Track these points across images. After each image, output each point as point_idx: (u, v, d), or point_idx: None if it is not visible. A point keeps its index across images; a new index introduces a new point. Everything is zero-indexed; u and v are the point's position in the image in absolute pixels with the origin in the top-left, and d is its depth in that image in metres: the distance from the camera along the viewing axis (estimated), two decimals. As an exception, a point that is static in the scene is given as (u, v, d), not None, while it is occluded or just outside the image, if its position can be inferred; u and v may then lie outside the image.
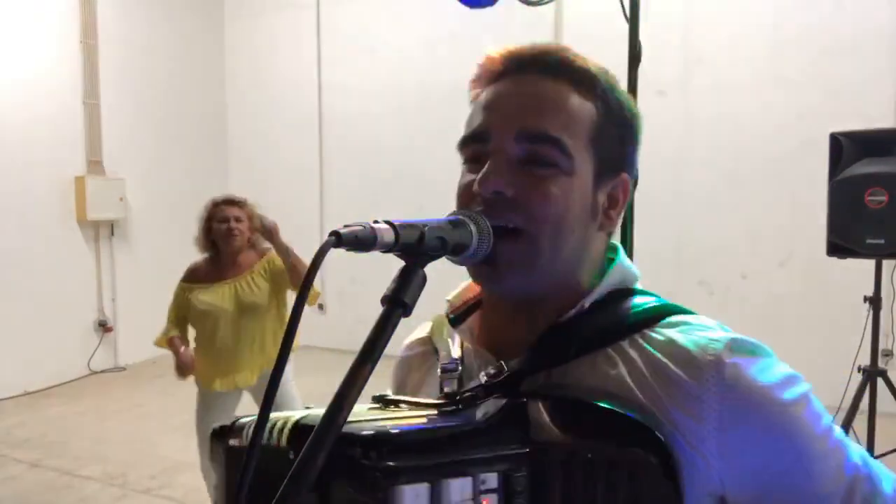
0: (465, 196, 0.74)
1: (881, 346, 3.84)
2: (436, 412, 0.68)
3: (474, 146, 0.75)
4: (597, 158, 0.74)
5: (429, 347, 0.88)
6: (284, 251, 3.05)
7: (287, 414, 0.67)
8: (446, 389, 0.75)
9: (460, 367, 0.77)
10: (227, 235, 3.12)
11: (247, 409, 3.29)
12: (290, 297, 3.26)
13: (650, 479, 0.63)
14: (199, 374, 3.21)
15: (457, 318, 0.84)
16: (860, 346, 3.63)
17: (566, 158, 0.71)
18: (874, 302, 3.58)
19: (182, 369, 3.14)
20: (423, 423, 0.64)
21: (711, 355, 0.67)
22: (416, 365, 0.88)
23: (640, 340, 0.71)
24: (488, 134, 0.73)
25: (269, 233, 3.05)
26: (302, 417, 0.66)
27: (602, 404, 0.66)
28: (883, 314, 3.65)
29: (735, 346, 0.68)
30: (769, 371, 0.69)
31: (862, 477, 0.70)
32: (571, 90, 0.73)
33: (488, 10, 2.83)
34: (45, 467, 4.15)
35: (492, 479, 0.60)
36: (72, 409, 5.30)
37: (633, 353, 0.70)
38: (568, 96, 0.73)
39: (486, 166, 0.71)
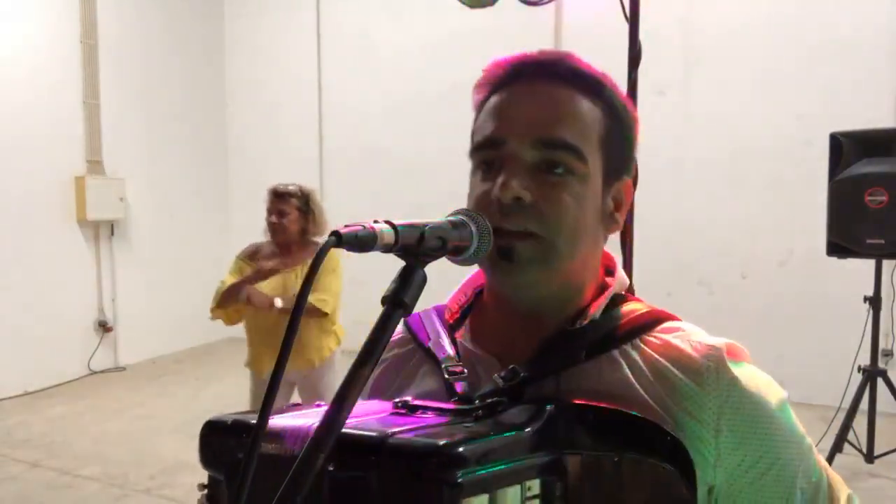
0: (483, 202, 0.74)
1: (881, 346, 3.85)
2: (467, 419, 0.67)
3: (487, 152, 0.75)
4: (605, 163, 0.76)
5: (405, 350, 0.87)
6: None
7: (311, 421, 0.65)
8: (459, 391, 0.74)
9: (466, 371, 0.77)
10: (272, 229, 3.19)
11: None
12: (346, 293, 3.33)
13: (671, 481, 0.66)
14: (252, 362, 3.27)
15: (454, 323, 0.84)
16: (860, 346, 3.63)
17: (581, 164, 0.73)
18: (874, 302, 3.58)
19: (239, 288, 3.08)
20: (467, 432, 0.63)
21: (711, 361, 0.71)
22: (394, 368, 0.87)
23: (641, 344, 0.74)
24: (503, 140, 0.73)
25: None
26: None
27: (622, 409, 0.68)
28: (883, 314, 3.65)
29: (731, 353, 0.73)
30: (757, 377, 0.74)
31: (825, 482, 0.76)
32: (581, 96, 0.75)
33: (488, 10, 2.83)
34: (45, 467, 4.15)
35: (535, 486, 0.61)
36: (72, 409, 5.30)
37: (636, 356, 0.73)
38: (580, 102, 0.75)
39: (505, 173, 0.72)
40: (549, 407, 0.65)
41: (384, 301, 0.60)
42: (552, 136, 0.72)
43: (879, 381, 3.56)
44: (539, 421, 0.63)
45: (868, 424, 3.61)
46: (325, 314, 3.12)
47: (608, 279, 0.81)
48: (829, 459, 3.41)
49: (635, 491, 0.65)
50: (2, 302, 5.50)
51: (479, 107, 0.79)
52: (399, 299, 0.60)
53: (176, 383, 5.97)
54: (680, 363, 0.71)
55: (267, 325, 3.13)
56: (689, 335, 0.74)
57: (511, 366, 0.73)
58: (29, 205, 5.73)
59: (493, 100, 0.77)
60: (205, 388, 5.73)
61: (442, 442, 0.58)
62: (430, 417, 0.68)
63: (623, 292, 0.82)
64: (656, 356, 0.73)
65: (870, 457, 3.62)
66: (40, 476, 4.03)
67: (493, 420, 0.66)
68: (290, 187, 3.21)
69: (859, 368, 3.62)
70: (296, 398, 3.34)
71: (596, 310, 0.76)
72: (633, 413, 0.67)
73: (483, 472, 0.57)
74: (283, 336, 0.56)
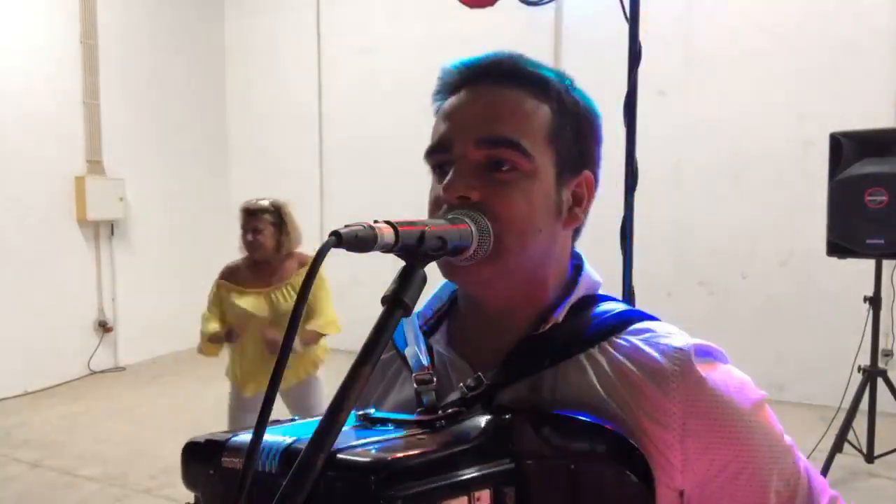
0: (436, 204, 0.75)
1: (881, 346, 3.85)
2: (424, 430, 0.67)
3: (438, 155, 0.77)
4: (557, 157, 0.76)
5: (388, 355, 0.87)
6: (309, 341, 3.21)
7: (279, 437, 0.66)
8: (426, 401, 0.75)
9: (435, 380, 0.77)
10: (248, 247, 3.18)
11: (282, 415, 3.35)
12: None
13: (629, 488, 0.66)
14: (233, 376, 3.26)
15: (429, 329, 0.85)
16: (860, 346, 3.63)
17: (526, 160, 0.73)
18: (874, 302, 3.58)
19: (230, 336, 3.17)
20: (417, 445, 0.64)
21: (676, 365, 0.70)
22: (380, 372, 0.87)
23: (608, 347, 0.73)
24: (450, 142, 0.75)
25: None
26: (293, 442, 0.65)
27: (582, 416, 0.67)
28: (883, 314, 3.65)
29: (698, 355, 0.71)
30: (728, 379, 0.72)
31: (804, 485, 0.74)
32: (526, 95, 0.76)
33: (488, 10, 2.83)
34: (45, 467, 4.15)
35: (484, 496, 0.61)
36: (72, 409, 5.30)
37: (602, 360, 0.73)
38: (523, 101, 0.76)
39: (451, 173, 0.73)
40: (506, 416, 0.65)
41: (384, 301, 0.60)
42: (492, 134, 0.73)
43: (879, 381, 3.56)
44: (495, 430, 0.64)
45: (868, 424, 3.61)
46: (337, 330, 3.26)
47: (580, 279, 0.81)
48: (829, 459, 3.41)
49: (593, 498, 0.65)
50: (2, 302, 5.50)
51: (436, 112, 0.81)
52: (399, 299, 0.60)
53: (176, 383, 5.97)
54: (645, 367, 0.70)
55: (255, 349, 3.13)
56: (658, 337, 0.73)
57: (477, 373, 0.73)
58: (29, 205, 5.73)
59: (444, 105, 0.79)
60: (205, 388, 5.73)
61: (382, 457, 0.59)
62: (388, 430, 0.69)
63: (597, 292, 0.81)
64: (622, 360, 0.72)
65: (870, 457, 3.62)
66: (40, 476, 4.03)
67: (450, 431, 0.66)
68: (262, 202, 3.21)
69: (859, 368, 3.62)
70: (284, 413, 3.35)
71: (560, 314, 0.76)
72: (592, 420, 0.67)
73: (425, 485, 0.58)
74: (283, 341, 0.56)
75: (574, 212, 0.78)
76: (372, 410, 0.73)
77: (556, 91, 0.77)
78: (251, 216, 3.17)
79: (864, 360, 3.62)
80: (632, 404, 0.69)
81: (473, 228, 0.68)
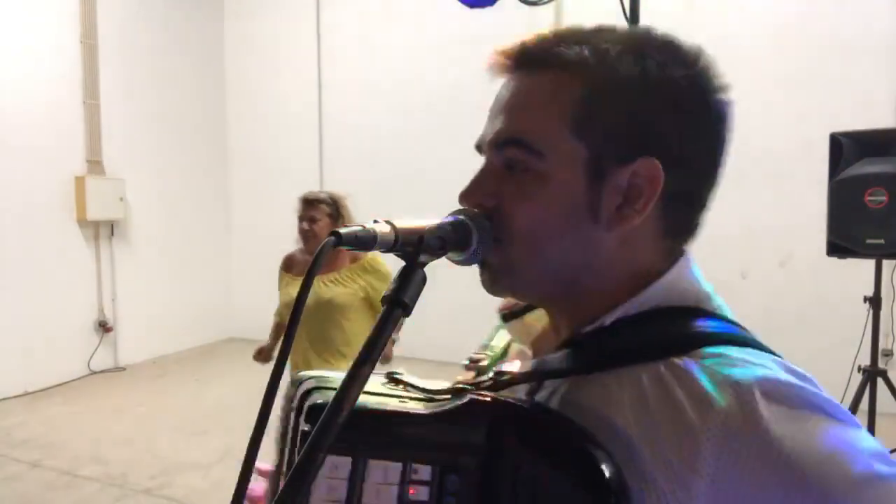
0: None
1: (881, 346, 3.85)
2: (418, 397, 0.67)
3: (482, 157, 0.73)
4: (591, 148, 0.64)
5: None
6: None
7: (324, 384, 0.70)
8: (457, 378, 0.75)
9: (485, 362, 0.78)
10: (303, 236, 3.20)
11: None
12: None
13: None
14: (292, 364, 3.28)
15: (514, 313, 0.82)
16: (860, 346, 3.62)
17: (535, 158, 0.65)
18: (874, 302, 3.58)
19: (260, 353, 3.25)
20: (376, 403, 0.64)
21: (730, 396, 0.56)
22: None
23: (662, 368, 0.61)
24: (480, 146, 0.72)
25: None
26: (316, 392, 0.69)
27: (573, 427, 0.60)
28: (883, 314, 3.65)
29: (770, 396, 0.56)
30: (820, 435, 0.56)
31: None
32: (547, 80, 0.66)
33: (488, 10, 2.83)
34: (45, 467, 4.15)
35: (425, 471, 0.59)
36: (72, 409, 5.30)
37: (646, 381, 0.61)
38: (538, 88, 0.66)
39: (471, 180, 0.71)
40: (486, 401, 0.63)
41: (384, 301, 0.60)
42: (499, 134, 0.67)
43: (879, 381, 3.56)
44: (467, 415, 0.61)
45: (868, 424, 3.61)
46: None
47: (651, 287, 0.68)
48: (829, 459, 3.40)
49: None
50: (2, 302, 5.50)
51: None
52: (399, 299, 0.60)
53: (176, 383, 5.97)
54: (693, 394, 0.58)
55: (302, 336, 3.14)
56: (724, 364, 0.59)
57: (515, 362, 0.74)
58: (29, 205, 5.74)
59: None
60: (205, 388, 5.74)
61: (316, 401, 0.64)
62: (391, 389, 0.70)
63: (694, 305, 0.69)
64: (670, 383, 0.60)
65: (870, 457, 3.62)
66: (40, 476, 4.03)
67: (434, 405, 0.65)
68: (321, 194, 3.26)
69: (859, 368, 3.62)
70: None
71: (607, 319, 0.67)
72: (584, 436, 0.59)
73: (354, 436, 0.58)
74: (286, 330, 0.59)
75: (624, 212, 0.66)
76: (400, 371, 0.73)
77: (586, 64, 0.65)
78: (308, 205, 3.20)
79: (864, 360, 3.61)
80: (662, 432, 0.58)
81: (473, 228, 0.67)
